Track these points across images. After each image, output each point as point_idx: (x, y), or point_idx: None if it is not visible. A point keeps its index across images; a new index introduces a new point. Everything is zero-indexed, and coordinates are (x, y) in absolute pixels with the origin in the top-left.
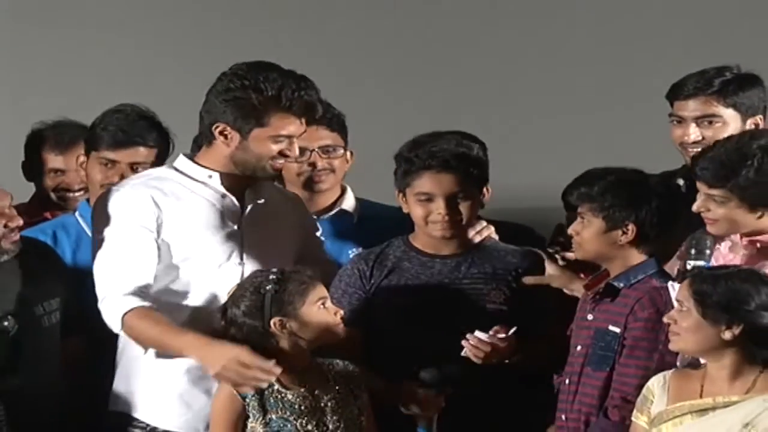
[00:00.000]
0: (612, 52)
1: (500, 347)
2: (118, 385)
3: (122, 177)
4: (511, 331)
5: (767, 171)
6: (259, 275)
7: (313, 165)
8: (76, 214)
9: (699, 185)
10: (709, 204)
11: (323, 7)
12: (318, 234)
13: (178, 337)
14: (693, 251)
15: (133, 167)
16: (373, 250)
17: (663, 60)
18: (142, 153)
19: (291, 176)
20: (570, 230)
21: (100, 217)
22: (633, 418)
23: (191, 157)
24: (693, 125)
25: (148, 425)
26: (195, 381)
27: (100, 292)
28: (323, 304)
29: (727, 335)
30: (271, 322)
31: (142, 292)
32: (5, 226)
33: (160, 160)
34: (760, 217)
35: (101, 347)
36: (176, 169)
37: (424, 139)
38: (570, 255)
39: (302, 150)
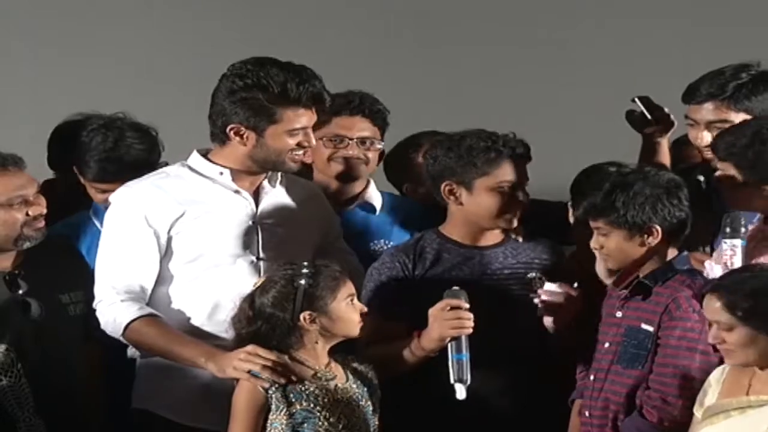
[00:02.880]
0: (620, 51)
1: (574, 297)
2: (140, 382)
3: None
4: (575, 285)
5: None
6: (290, 267)
7: (352, 154)
8: (90, 212)
9: (714, 159)
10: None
11: (333, 4)
12: (337, 224)
13: (186, 347)
14: (728, 229)
15: None
16: (407, 244)
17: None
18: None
19: (321, 162)
20: (592, 245)
21: (109, 215)
22: (694, 410)
23: (205, 155)
24: (705, 131)
25: (171, 422)
26: (216, 377)
27: (98, 293)
28: (351, 300)
29: None
30: (302, 316)
31: (140, 296)
32: (27, 213)
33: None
34: (761, 197)
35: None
36: (189, 167)
37: (479, 132)
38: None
39: (341, 138)
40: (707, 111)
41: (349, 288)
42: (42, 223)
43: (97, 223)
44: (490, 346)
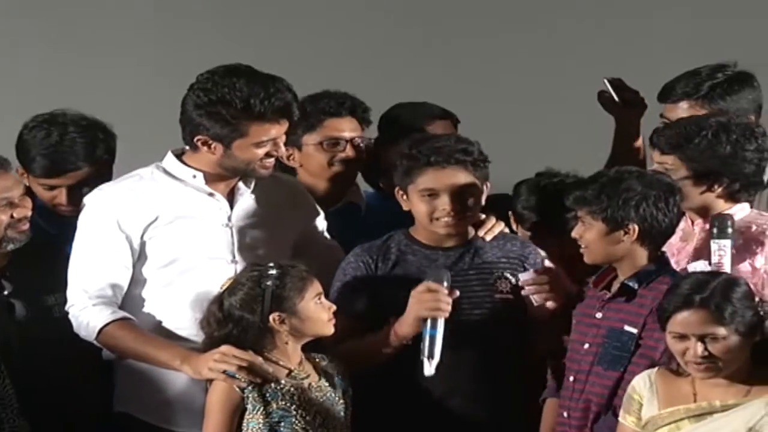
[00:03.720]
0: (607, 51)
1: (559, 277)
2: (120, 385)
3: (70, 193)
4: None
5: (717, 144)
6: (256, 268)
7: (351, 156)
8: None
9: (653, 155)
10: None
11: (325, 6)
12: (320, 219)
13: (161, 350)
14: (716, 230)
15: (72, 188)
16: (374, 244)
17: (659, 59)
18: (78, 174)
19: (317, 167)
20: (573, 234)
21: (82, 219)
22: (620, 419)
23: (179, 156)
24: None
25: (152, 426)
26: (196, 380)
27: (70, 297)
28: (319, 299)
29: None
30: (271, 317)
31: (112, 300)
32: (12, 216)
33: (104, 168)
34: (702, 192)
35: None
36: (164, 169)
37: (424, 138)
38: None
39: (337, 141)
40: (682, 110)
41: (316, 287)
42: (26, 226)
43: (41, 222)
44: (456, 347)
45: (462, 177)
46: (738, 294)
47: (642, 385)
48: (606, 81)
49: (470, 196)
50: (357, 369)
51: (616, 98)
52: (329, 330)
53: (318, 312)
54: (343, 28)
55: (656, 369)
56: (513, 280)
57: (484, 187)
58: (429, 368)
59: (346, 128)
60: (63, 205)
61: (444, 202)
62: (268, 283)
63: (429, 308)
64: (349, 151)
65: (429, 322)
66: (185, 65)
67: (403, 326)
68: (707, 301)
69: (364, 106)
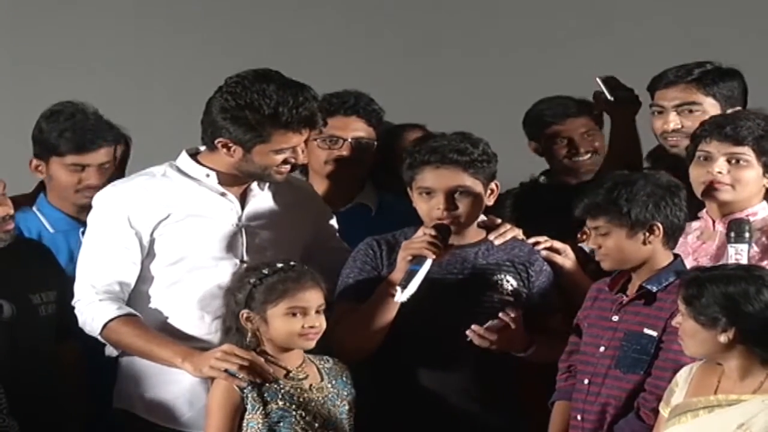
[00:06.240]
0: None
1: (512, 337)
2: (122, 382)
3: (99, 173)
4: (498, 320)
5: None
6: (262, 266)
7: (347, 155)
8: (34, 209)
9: (715, 145)
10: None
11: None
12: (331, 222)
13: (164, 347)
14: (733, 234)
15: (102, 167)
16: (384, 236)
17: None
18: (108, 152)
19: (318, 165)
20: (591, 245)
21: (93, 214)
22: (660, 409)
23: (194, 155)
24: (673, 113)
25: (153, 424)
26: (198, 380)
27: (77, 292)
28: (303, 313)
29: (723, 338)
30: (240, 314)
31: (119, 296)
32: None
33: (122, 155)
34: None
35: (94, 344)
36: (177, 168)
37: (429, 135)
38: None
39: (336, 139)
40: (675, 93)
41: (298, 300)
42: (11, 225)
43: (43, 220)
44: (455, 346)
45: (458, 178)
46: (715, 290)
47: (682, 374)
48: (599, 79)
49: (466, 197)
50: (359, 342)
51: (609, 97)
52: (300, 344)
53: (286, 323)
54: (344, 29)
55: (702, 361)
56: (515, 284)
57: (493, 186)
58: (399, 295)
59: (346, 127)
60: (92, 186)
61: (438, 201)
62: (252, 280)
63: (418, 246)
64: (346, 150)
65: (415, 259)
66: (183, 67)
67: (396, 272)
68: (684, 282)
69: (372, 107)
